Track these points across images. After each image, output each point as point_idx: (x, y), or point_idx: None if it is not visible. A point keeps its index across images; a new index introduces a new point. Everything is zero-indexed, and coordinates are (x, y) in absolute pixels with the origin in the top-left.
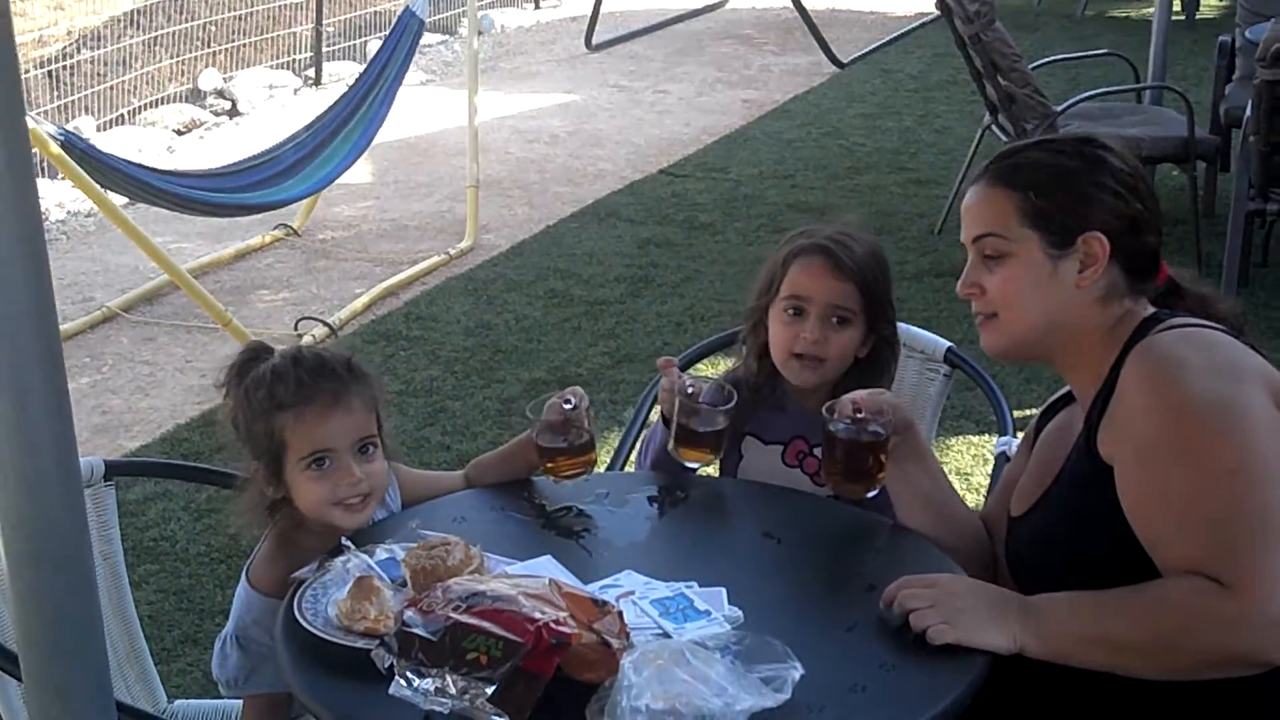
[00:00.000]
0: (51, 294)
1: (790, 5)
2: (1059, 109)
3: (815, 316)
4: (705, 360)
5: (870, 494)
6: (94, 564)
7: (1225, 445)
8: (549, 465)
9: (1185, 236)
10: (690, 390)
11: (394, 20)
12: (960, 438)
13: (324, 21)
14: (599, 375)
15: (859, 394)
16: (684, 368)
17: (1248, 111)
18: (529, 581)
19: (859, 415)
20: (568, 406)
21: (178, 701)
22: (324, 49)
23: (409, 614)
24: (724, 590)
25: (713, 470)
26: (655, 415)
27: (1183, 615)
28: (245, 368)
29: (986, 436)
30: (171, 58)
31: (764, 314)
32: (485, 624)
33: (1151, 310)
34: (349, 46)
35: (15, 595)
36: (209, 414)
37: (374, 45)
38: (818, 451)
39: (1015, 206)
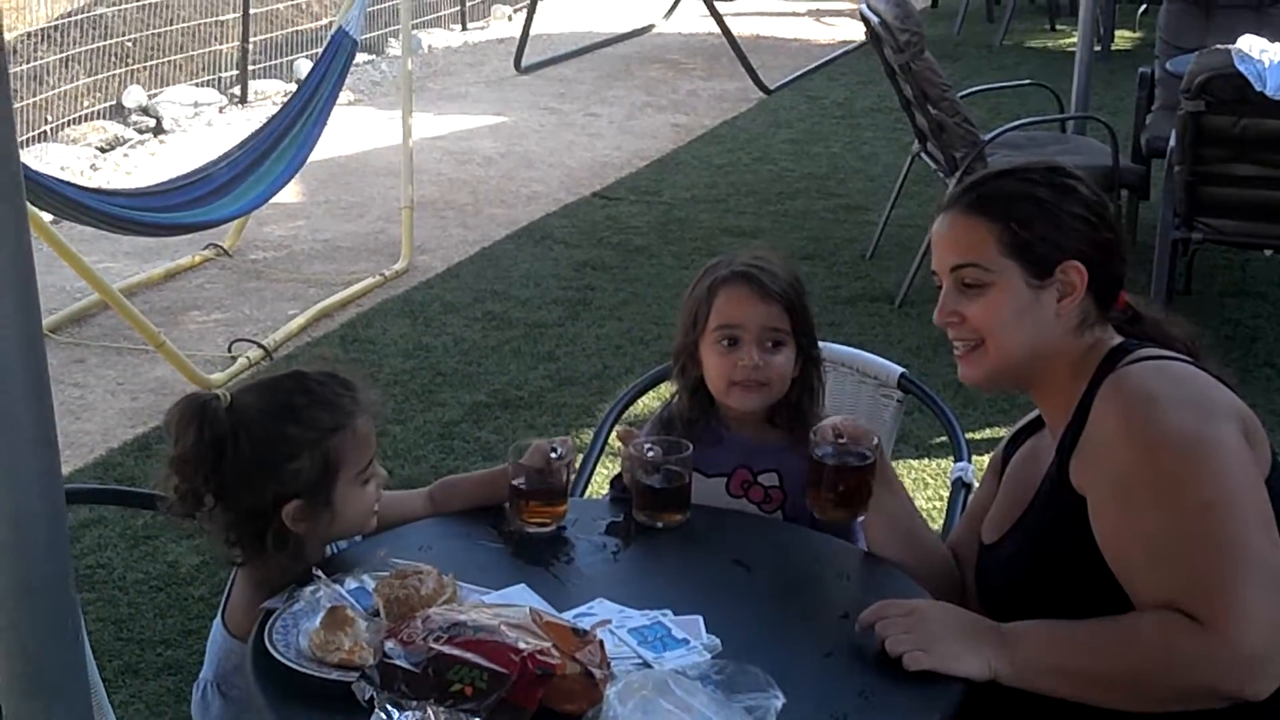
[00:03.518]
0: (39, 323)
1: (716, 31)
2: (987, 137)
3: (751, 342)
4: (650, 393)
5: (858, 518)
6: (77, 599)
7: (1199, 480)
8: (519, 509)
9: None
10: (650, 454)
11: (322, 39)
12: (900, 461)
13: (249, 40)
14: (541, 398)
15: (837, 419)
16: (630, 402)
17: (1171, 141)
18: (509, 611)
19: (841, 440)
20: (553, 455)
21: None
22: (249, 67)
23: (389, 645)
24: (701, 618)
25: None
26: (613, 439)
27: (1157, 650)
28: (210, 424)
29: (927, 460)
30: (89, 75)
31: (694, 349)
32: (469, 655)
33: (1119, 339)
34: (274, 65)
35: None
36: (142, 438)
37: (300, 64)
38: (762, 479)
39: (995, 237)
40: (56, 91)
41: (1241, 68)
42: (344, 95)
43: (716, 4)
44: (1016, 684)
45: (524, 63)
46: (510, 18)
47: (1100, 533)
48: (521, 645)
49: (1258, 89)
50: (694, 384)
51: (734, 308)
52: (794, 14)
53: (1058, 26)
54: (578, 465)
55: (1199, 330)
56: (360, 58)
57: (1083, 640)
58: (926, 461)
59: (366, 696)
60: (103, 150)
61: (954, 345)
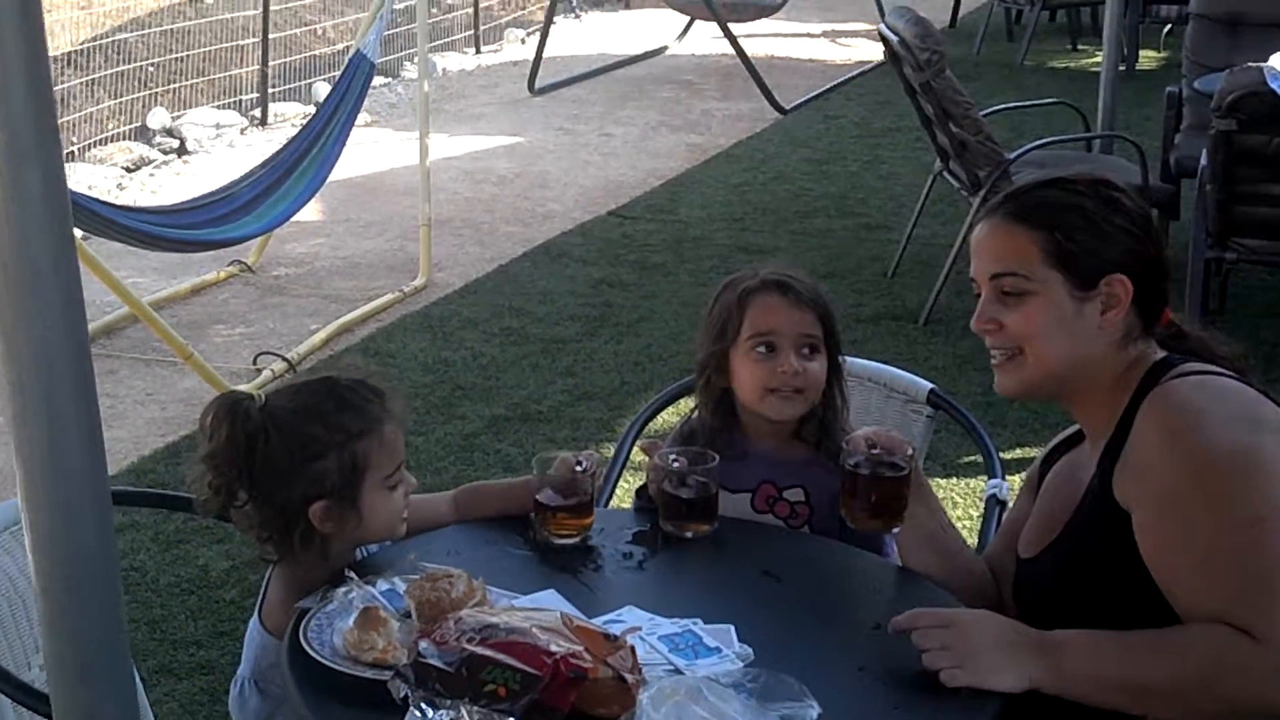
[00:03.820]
0: (85, 320)
1: (729, 52)
2: (1011, 156)
3: (788, 349)
4: (669, 408)
5: (893, 530)
6: (121, 591)
7: (1247, 495)
8: (546, 521)
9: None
10: (676, 464)
11: (338, 63)
12: (929, 479)
13: (268, 64)
14: (559, 412)
15: (871, 430)
16: (652, 416)
17: (1202, 161)
18: (541, 614)
19: (875, 451)
20: (579, 468)
21: None
22: (269, 90)
23: (424, 644)
24: (732, 627)
25: None
26: (636, 454)
27: (1210, 664)
28: (243, 421)
29: (954, 479)
30: (112, 98)
31: (721, 361)
32: (502, 656)
33: (1163, 354)
34: (293, 88)
35: (46, 620)
36: (172, 446)
37: (319, 87)
38: (788, 495)
39: (1039, 246)
40: (81, 114)
41: (1274, 85)
42: (362, 117)
43: (730, 25)
44: (1058, 693)
45: (538, 84)
46: (524, 40)
47: (1147, 548)
48: (554, 648)
49: None
50: (719, 395)
51: (769, 315)
52: (809, 35)
53: (1079, 46)
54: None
55: (1244, 349)
56: (376, 80)
57: (1129, 650)
58: (954, 480)
59: (401, 694)
60: (129, 170)
61: (991, 354)
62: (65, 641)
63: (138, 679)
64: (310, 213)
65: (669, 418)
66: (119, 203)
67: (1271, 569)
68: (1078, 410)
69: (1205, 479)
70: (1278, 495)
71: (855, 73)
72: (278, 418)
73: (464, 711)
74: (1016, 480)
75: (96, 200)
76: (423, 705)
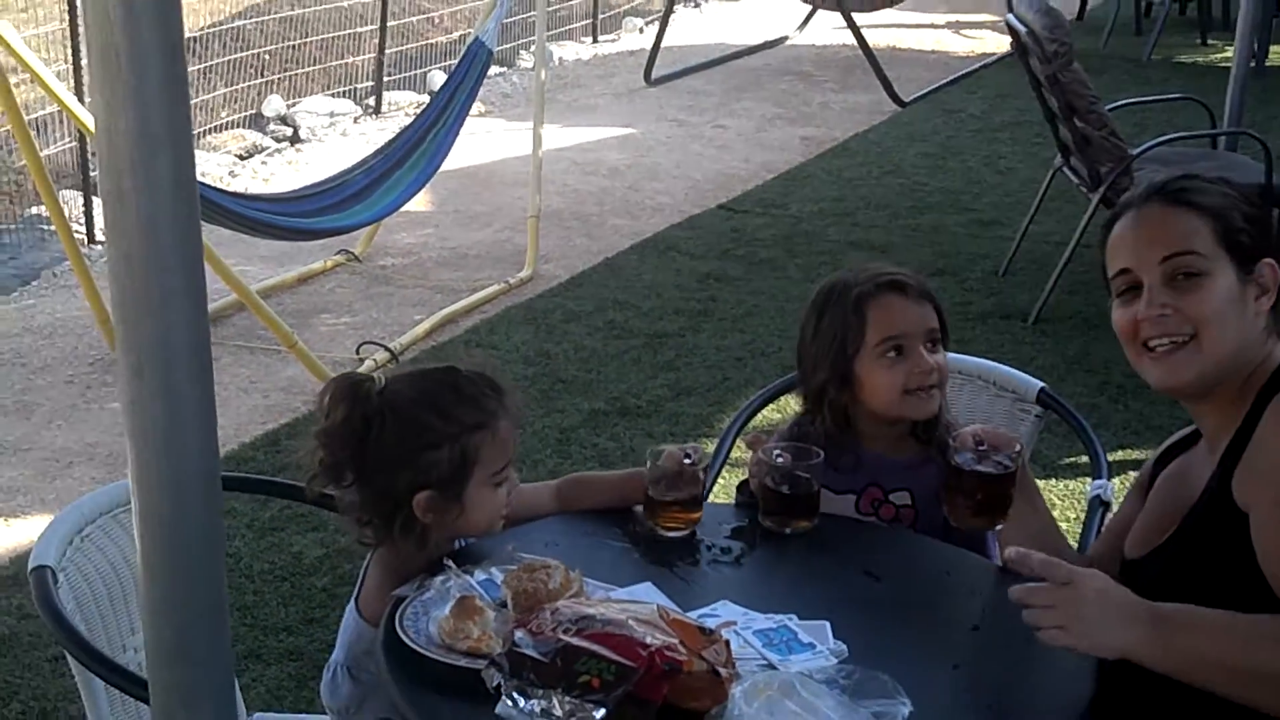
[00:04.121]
0: (206, 308)
1: (851, 43)
2: (1135, 152)
3: (919, 346)
4: (770, 405)
5: (996, 528)
6: (224, 575)
7: None
8: (654, 515)
9: None
10: (780, 460)
11: (454, 52)
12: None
13: (384, 51)
14: (659, 407)
15: (978, 427)
16: (755, 411)
17: None
18: (636, 607)
19: (982, 448)
20: (687, 461)
21: (256, 715)
22: (384, 78)
23: (519, 635)
24: (828, 624)
25: None
26: (738, 450)
27: None
28: (362, 403)
29: (1055, 481)
30: (227, 86)
31: (846, 374)
32: (597, 647)
33: None
34: (408, 76)
35: (149, 602)
36: (273, 434)
37: (434, 75)
38: (894, 498)
39: (1209, 227)
40: (196, 101)
41: None
42: (476, 107)
43: (854, 15)
44: (1155, 665)
45: (654, 74)
46: (642, 30)
47: (1263, 549)
48: (649, 640)
49: None
50: (842, 408)
51: (895, 316)
52: (932, 25)
53: (1209, 41)
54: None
55: None
56: (493, 70)
57: (1241, 631)
58: (1055, 481)
59: (494, 683)
60: (241, 158)
61: (1154, 346)
62: (167, 623)
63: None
64: (419, 203)
65: (770, 414)
66: (231, 189)
67: None
68: (1206, 409)
69: None
70: None
71: (977, 65)
72: (396, 403)
73: (555, 701)
74: (1118, 483)
75: (208, 187)
76: (514, 694)
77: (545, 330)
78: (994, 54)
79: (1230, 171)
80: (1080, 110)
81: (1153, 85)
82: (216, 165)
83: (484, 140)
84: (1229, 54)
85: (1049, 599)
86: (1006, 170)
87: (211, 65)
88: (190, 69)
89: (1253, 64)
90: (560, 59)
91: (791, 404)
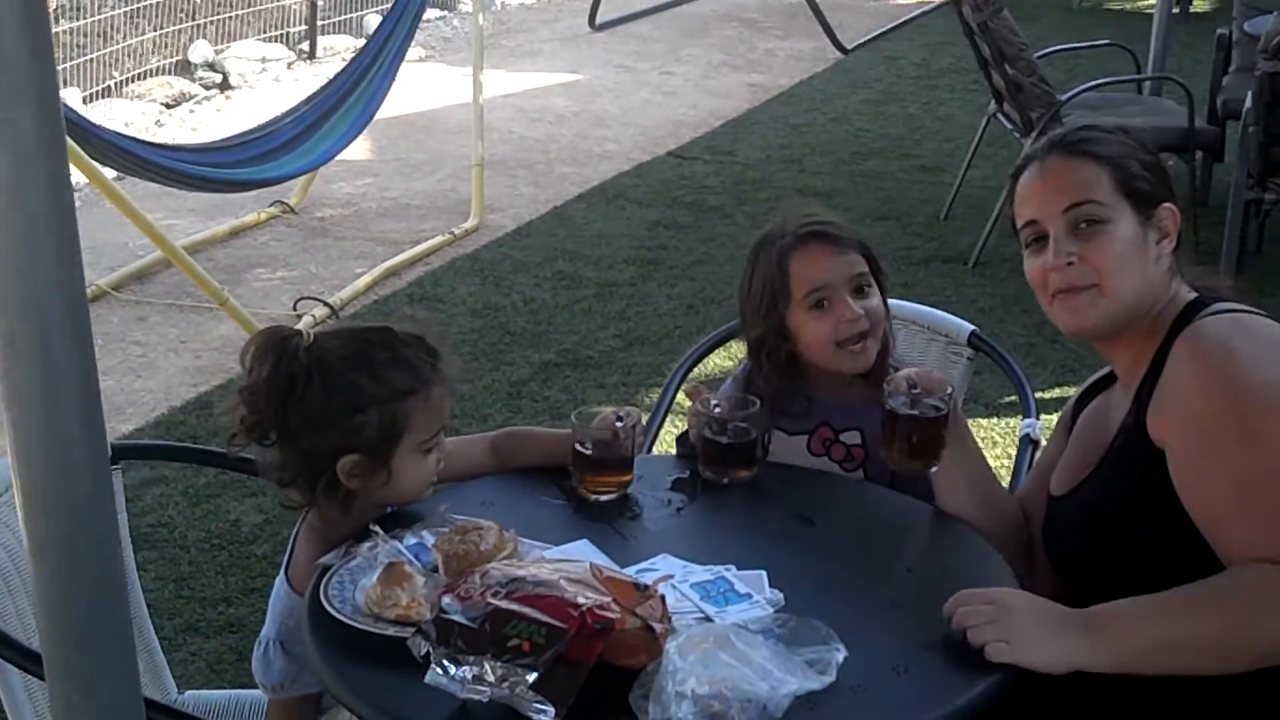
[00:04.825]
0: (81, 268)
1: None
2: (1064, 97)
3: (844, 296)
4: (719, 350)
5: (931, 469)
6: (121, 551)
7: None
8: (582, 479)
9: (1183, 224)
10: (718, 410)
11: None
12: (970, 420)
13: None
14: (611, 358)
15: (913, 371)
16: (698, 360)
17: (1247, 103)
18: (569, 566)
19: (915, 391)
20: (619, 424)
21: (188, 692)
22: (318, 22)
23: (446, 600)
24: (764, 573)
25: None
26: (680, 397)
27: (1251, 605)
28: (288, 360)
29: (995, 420)
30: (155, 30)
31: (780, 327)
32: (527, 610)
33: (1194, 294)
34: (344, 20)
35: (39, 584)
36: (205, 396)
37: (370, 19)
38: (844, 438)
39: (1108, 175)
40: (124, 46)
41: None
42: (415, 52)
43: None
44: (1109, 670)
45: (599, 20)
46: None
47: (1184, 482)
48: (580, 600)
49: None
50: (784, 360)
51: (817, 268)
52: None
53: None
54: (644, 423)
55: (1241, 289)
56: (433, 14)
57: (1173, 609)
58: (995, 420)
59: (422, 652)
60: (168, 106)
61: (1059, 293)
62: (59, 606)
63: (155, 640)
64: (358, 151)
65: (721, 361)
66: (155, 141)
67: None
68: (1117, 350)
69: (1240, 412)
70: None
71: (917, 12)
72: (325, 361)
73: (487, 667)
74: (1055, 420)
75: (130, 138)
76: (444, 662)
77: (493, 282)
78: (933, 1)
79: (1154, 115)
80: (1010, 57)
81: (1083, 32)
82: (141, 115)
83: (425, 86)
84: (1154, 1)
85: (985, 616)
86: (945, 116)
87: (139, 7)
88: (116, 12)
89: (1177, 10)
90: (503, 3)
91: (741, 349)
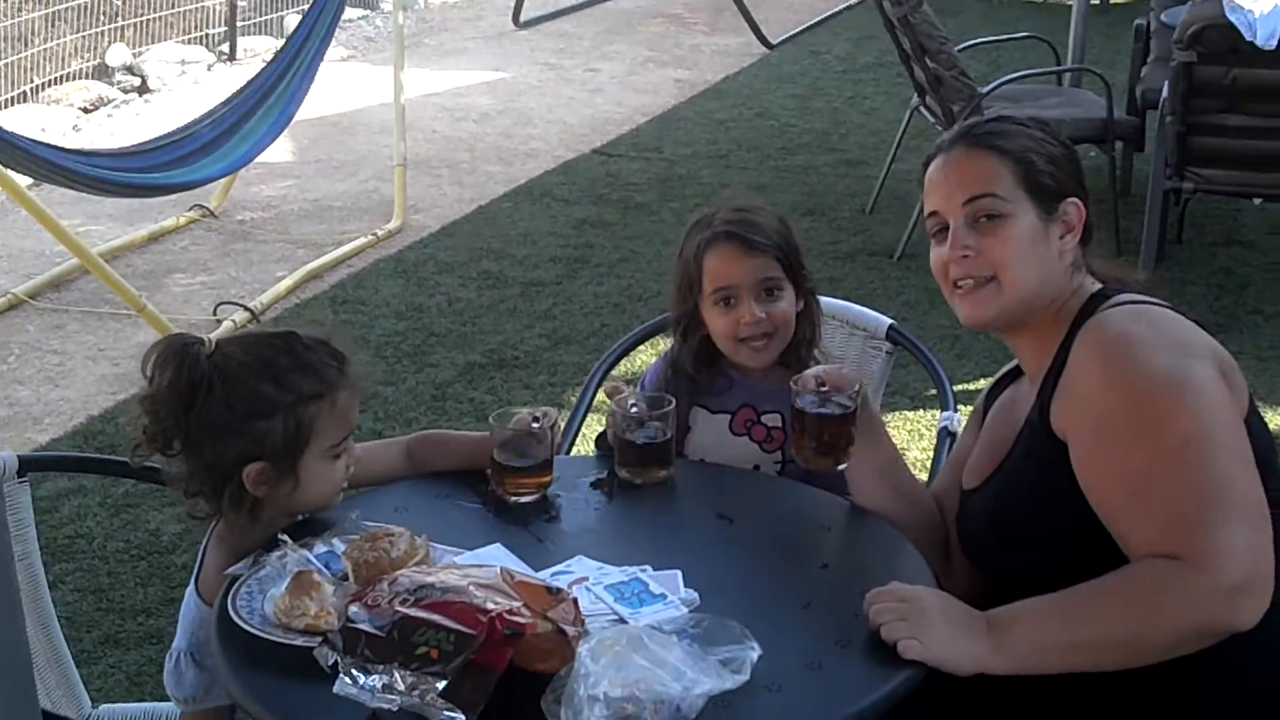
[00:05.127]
0: None
1: None
2: (984, 90)
3: (747, 299)
4: (646, 343)
5: (840, 466)
6: (13, 565)
7: (1178, 418)
8: (500, 481)
9: (1104, 215)
10: (634, 410)
11: None
12: (896, 413)
13: None
14: (537, 358)
15: (822, 368)
16: (620, 357)
17: (1164, 93)
18: (479, 571)
19: (824, 389)
20: (535, 425)
21: (102, 706)
22: (238, 23)
23: (353, 609)
24: (679, 573)
25: None
26: (600, 397)
27: (1151, 600)
28: (189, 367)
29: (921, 412)
30: (75, 33)
31: (695, 313)
32: (435, 617)
33: (1098, 286)
34: (264, 21)
35: None
36: (124, 405)
37: (291, 20)
38: (765, 419)
39: (1008, 169)
40: (40, 49)
41: (1232, 18)
42: (338, 51)
43: None
44: (1012, 672)
45: (523, 17)
46: None
47: (1084, 475)
48: (489, 605)
49: (1248, 39)
50: (700, 345)
51: (724, 268)
52: None
53: None
54: (563, 424)
55: (1156, 281)
56: (355, 13)
57: (1074, 608)
58: (921, 413)
59: (330, 662)
60: (86, 110)
61: (959, 285)
62: None
63: (68, 654)
64: (279, 153)
65: (648, 359)
66: (71, 146)
67: (1202, 490)
68: (1021, 342)
69: (1137, 404)
70: (1206, 418)
71: (841, 7)
72: (226, 368)
73: (396, 676)
74: None
75: (44, 144)
76: (353, 671)
77: (417, 282)
78: None
79: (1074, 107)
80: (931, 51)
81: (1004, 25)
82: (58, 120)
83: (348, 86)
84: None
85: (898, 613)
86: (870, 110)
87: (56, 11)
88: (34, 15)
89: (1096, 2)
90: (426, 1)
91: (663, 345)
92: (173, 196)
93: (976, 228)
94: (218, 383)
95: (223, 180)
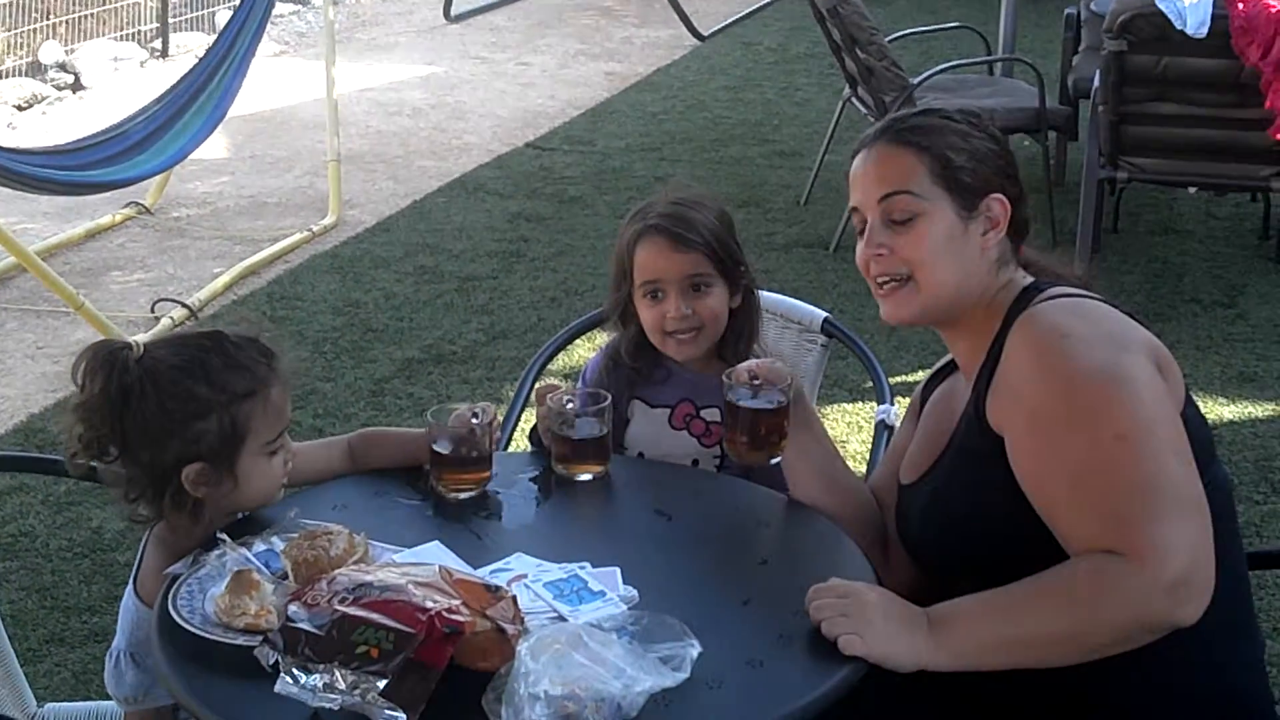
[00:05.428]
0: None
1: None
2: (915, 81)
3: (674, 294)
4: (583, 336)
5: (773, 460)
6: None
7: (1113, 412)
8: (439, 477)
9: (1039, 205)
10: (569, 406)
11: None
12: (834, 406)
13: None
14: (474, 352)
15: (754, 362)
16: (556, 351)
17: (1095, 82)
18: (418, 570)
19: (756, 383)
20: (474, 421)
21: (48, 705)
22: (170, 20)
23: (293, 608)
24: (618, 570)
25: None
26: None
27: (1090, 596)
28: (119, 373)
29: (860, 404)
30: (7, 31)
31: (628, 303)
32: (374, 615)
33: (1030, 279)
34: (196, 17)
35: None
36: (64, 402)
37: (223, 15)
38: (704, 414)
39: (925, 166)
40: None
41: (1162, 6)
42: (270, 47)
43: None
44: (953, 669)
45: (454, 11)
46: None
47: (1020, 469)
48: (429, 604)
49: (1178, 28)
50: (635, 335)
51: (652, 261)
52: None
53: None
54: (501, 418)
55: (1091, 272)
56: (285, 8)
57: (1013, 606)
58: (859, 405)
59: (270, 662)
60: (20, 108)
61: (878, 283)
62: None
63: (11, 652)
64: (214, 149)
65: (585, 352)
66: (5, 144)
67: (1138, 484)
68: (953, 338)
69: (1071, 397)
70: (1143, 412)
71: None
72: (156, 372)
73: (337, 675)
74: None
75: None
76: (294, 671)
77: (353, 278)
78: None
79: (1006, 96)
80: (862, 42)
81: (936, 15)
82: None
83: (281, 82)
84: None
85: (838, 609)
86: (803, 101)
87: None
88: None
89: None
90: None
91: (601, 339)
92: (109, 194)
93: (891, 225)
94: (149, 387)
95: (158, 177)
